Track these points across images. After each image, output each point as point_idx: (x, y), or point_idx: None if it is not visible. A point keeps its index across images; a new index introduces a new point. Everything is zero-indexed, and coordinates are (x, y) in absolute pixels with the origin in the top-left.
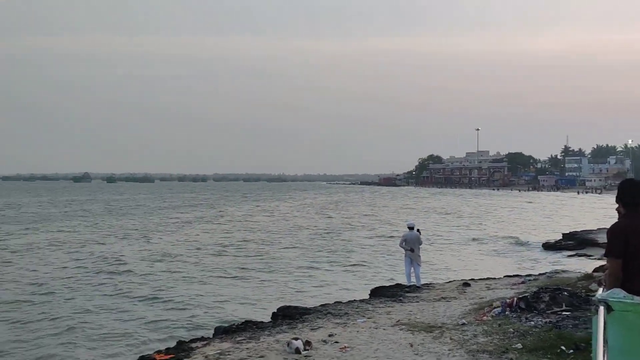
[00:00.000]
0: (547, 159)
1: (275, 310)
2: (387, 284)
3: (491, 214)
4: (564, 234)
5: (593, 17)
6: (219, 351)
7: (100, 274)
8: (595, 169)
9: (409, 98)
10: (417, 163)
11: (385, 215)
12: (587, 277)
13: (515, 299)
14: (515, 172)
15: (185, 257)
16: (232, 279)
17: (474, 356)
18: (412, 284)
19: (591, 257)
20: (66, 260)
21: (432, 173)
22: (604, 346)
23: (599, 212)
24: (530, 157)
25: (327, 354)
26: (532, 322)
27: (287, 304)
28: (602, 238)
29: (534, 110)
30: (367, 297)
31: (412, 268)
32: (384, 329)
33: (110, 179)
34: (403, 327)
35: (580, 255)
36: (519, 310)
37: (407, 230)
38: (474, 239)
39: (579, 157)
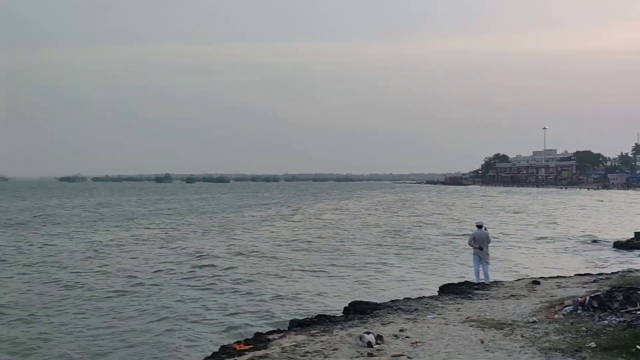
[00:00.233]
0: (617, 157)
1: (347, 305)
2: (456, 281)
3: (560, 212)
4: (636, 233)
5: None
6: (294, 343)
7: (185, 267)
8: None
9: (475, 97)
10: (482, 162)
11: (453, 214)
12: None
13: (588, 297)
14: (583, 170)
15: (262, 252)
16: (306, 273)
17: (546, 354)
18: (480, 281)
19: None
20: (154, 254)
21: (498, 172)
22: None
23: None
24: (599, 155)
25: (399, 348)
26: (606, 321)
27: (358, 299)
28: None
29: (603, 107)
30: (436, 293)
31: (481, 266)
32: (454, 325)
33: (190, 180)
34: (473, 323)
35: None
36: (591, 309)
37: (476, 228)
38: (543, 237)
39: None
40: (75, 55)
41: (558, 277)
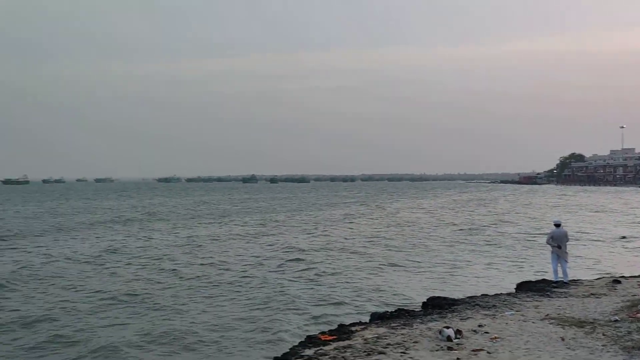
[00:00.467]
0: None
1: (425, 300)
2: (533, 279)
3: None
4: None
5: None
6: (376, 335)
7: (275, 261)
8: None
9: (548, 96)
10: (557, 161)
11: (530, 213)
12: None
13: None
14: None
15: (345, 247)
16: (385, 268)
17: (629, 353)
18: (559, 279)
19: None
20: (247, 248)
21: (574, 171)
22: None
23: None
24: None
25: (478, 343)
26: None
27: (436, 295)
28: None
29: None
30: (513, 291)
31: (559, 264)
32: (533, 322)
33: (273, 180)
34: (552, 321)
35: None
36: None
37: (554, 227)
38: (624, 236)
39: None
40: (172, 65)
41: None
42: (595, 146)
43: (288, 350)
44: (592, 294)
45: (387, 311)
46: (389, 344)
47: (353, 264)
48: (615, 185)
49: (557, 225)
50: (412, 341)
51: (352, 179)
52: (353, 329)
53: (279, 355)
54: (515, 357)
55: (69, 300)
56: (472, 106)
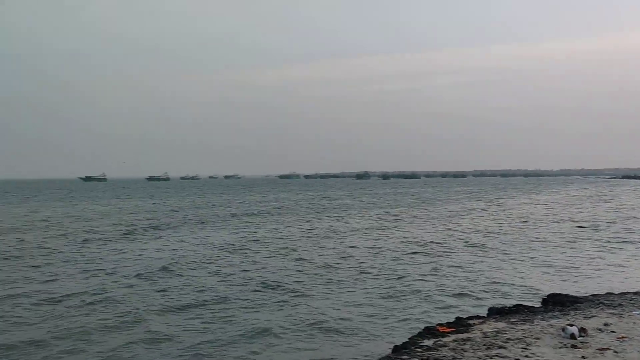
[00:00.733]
0: None
1: (546, 297)
2: None
3: None
4: None
5: None
6: (495, 329)
7: (398, 254)
8: None
9: None
10: None
11: None
12: None
13: None
14: None
15: (461, 240)
16: (502, 262)
17: None
18: None
19: None
20: (369, 240)
21: None
22: None
23: None
24: None
25: (604, 342)
26: None
27: (556, 292)
28: None
29: None
30: None
31: None
32: None
33: (385, 176)
34: None
35: None
36: None
37: None
38: None
39: None
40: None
41: None
42: None
43: (407, 340)
44: None
45: (505, 306)
46: (509, 339)
47: (470, 257)
48: None
49: None
50: (533, 337)
51: (463, 175)
52: (471, 322)
53: (399, 344)
54: None
55: (226, 283)
56: (583, 103)
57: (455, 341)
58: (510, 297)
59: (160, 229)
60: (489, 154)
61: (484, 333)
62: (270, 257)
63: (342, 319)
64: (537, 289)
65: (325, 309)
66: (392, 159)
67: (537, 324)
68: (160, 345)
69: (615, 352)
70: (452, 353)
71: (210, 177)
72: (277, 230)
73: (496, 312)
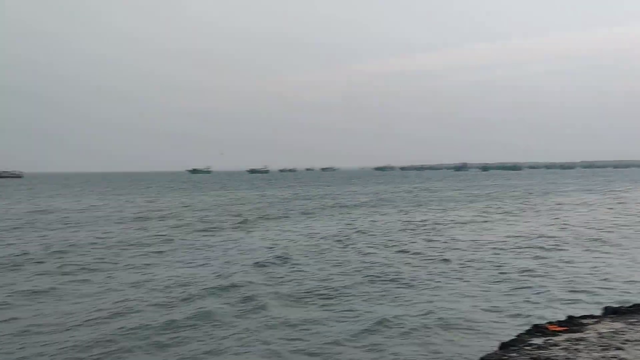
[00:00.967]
0: None
1: None
2: None
3: None
4: None
5: None
6: (612, 330)
7: (508, 245)
8: None
9: None
10: None
11: None
12: None
13: None
14: None
15: (579, 234)
16: (621, 258)
17: None
18: None
19: None
20: (480, 233)
21: None
22: None
23: None
24: None
25: None
26: None
27: None
28: None
29: None
30: None
31: None
32: None
33: (485, 168)
34: None
35: None
36: None
37: None
38: None
39: None
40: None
41: None
42: None
43: (515, 337)
44: None
45: (622, 306)
46: (627, 340)
47: (583, 252)
48: None
49: None
50: None
51: (570, 167)
52: (584, 321)
53: (506, 341)
54: None
55: (340, 274)
56: None
57: (568, 341)
58: (627, 295)
59: (268, 219)
60: (599, 143)
61: (599, 333)
62: (376, 248)
63: (451, 312)
64: None
65: (437, 302)
66: (492, 150)
67: None
68: (293, 332)
69: None
70: (565, 353)
71: (307, 169)
72: (380, 222)
73: (612, 312)
